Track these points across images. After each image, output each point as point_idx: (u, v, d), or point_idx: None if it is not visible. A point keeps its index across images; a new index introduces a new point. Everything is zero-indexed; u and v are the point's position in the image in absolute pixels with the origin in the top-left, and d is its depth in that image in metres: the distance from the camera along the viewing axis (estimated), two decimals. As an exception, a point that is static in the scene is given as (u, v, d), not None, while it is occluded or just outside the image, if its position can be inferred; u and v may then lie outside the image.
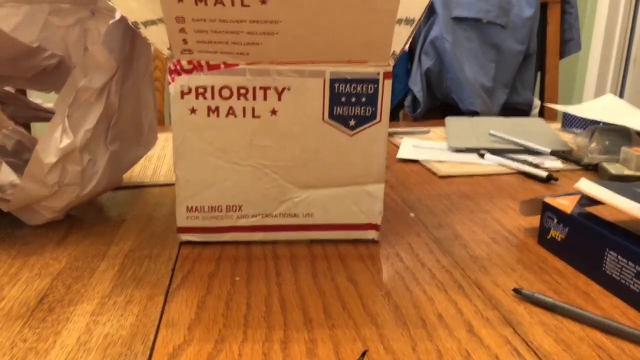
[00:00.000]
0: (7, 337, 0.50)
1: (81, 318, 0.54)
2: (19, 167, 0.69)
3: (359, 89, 0.66)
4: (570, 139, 1.24)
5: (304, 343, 0.50)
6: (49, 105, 0.92)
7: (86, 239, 0.71)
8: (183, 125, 0.65)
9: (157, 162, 1.04)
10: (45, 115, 0.91)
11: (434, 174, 1.02)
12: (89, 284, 0.60)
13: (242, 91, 0.65)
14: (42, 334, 0.51)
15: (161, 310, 0.55)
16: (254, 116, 0.65)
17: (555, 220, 0.68)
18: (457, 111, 1.78)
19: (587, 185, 0.68)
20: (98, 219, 0.78)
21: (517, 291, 0.59)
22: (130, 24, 0.62)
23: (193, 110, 0.65)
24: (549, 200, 0.71)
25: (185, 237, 0.70)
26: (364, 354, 0.45)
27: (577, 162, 1.07)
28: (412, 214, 0.82)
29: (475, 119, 1.39)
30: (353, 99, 0.66)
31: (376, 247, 0.71)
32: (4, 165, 0.67)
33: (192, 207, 0.68)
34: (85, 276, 0.62)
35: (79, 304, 0.56)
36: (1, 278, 0.61)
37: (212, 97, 0.64)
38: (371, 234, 0.72)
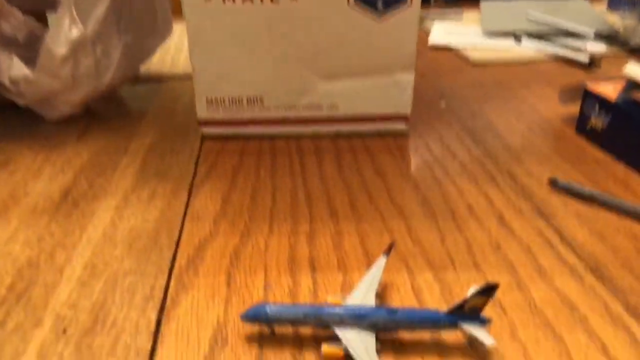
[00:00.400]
0: (35, 232, 0.51)
1: (106, 213, 0.54)
2: (31, 60, 0.67)
3: (386, -34, 0.61)
4: (617, 20, 1.16)
5: (329, 235, 0.50)
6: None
7: (107, 133, 0.71)
8: (197, 13, 0.62)
9: (174, 54, 1.01)
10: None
11: (467, 61, 0.98)
12: (112, 179, 0.60)
13: (260, -28, 0.60)
14: (68, 229, 0.52)
15: (185, 204, 0.55)
16: (272, 1, 0.62)
17: (597, 108, 0.65)
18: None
19: (635, 70, 0.64)
20: (118, 114, 0.77)
21: (552, 181, 0.57)
22: None
23: (208, -5, 0.61)
24: (591, 86, 0.67)
25: (207, 130, 0.69)
26: (391, 246, 0.45)
27: (623, 45, 1.00)
28: (443, 104, 0.79)
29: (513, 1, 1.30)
30: (380, -22, 0.61)
31: (405, 139, 0.69)
32: (16, 59, 0.65)
33: (212, 99, 0.67)
34: (108, 171, 0.62)
35: (103, 198, 0.57)
36: (25, 173, 0.62)
37: (228, -21, 0.61)
38: (400, 125, 0.69)
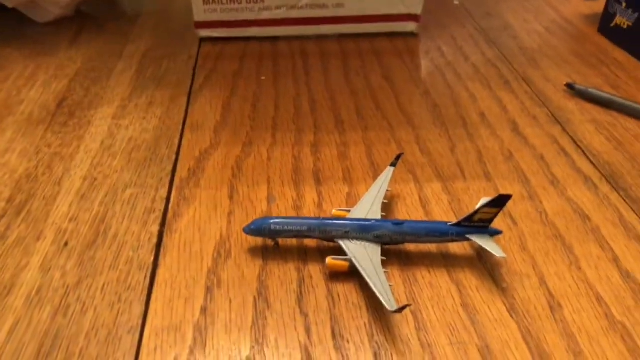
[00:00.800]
0: (31, 143, 0.50)
1: (103, 122, 0.53)
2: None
3: None
4: None
5: (335, 146, 0.49)
6: None
7: (100, 37, 0.68)
8: None
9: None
10: None
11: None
12: (108, 86, 0.58)
13: None
14: (65, 139, 0.51)
15: (185, 112, 0.54)
16: None
17: (624, 5, 0.61)
18: None
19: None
20: (111, 16, 0.74)
21: (569, 86, 0.55)
22: None
23: None
24: (618, -20, 0.63)
25: (205, 32, 0.66)
26: (398, 157, 0.44)
27: None
28: (456, 2, 0.75)
29: None
30: None
31: (415, 40, 0.66)
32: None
33: (209, -1, 0.63)
34: (103, 77, 0.60)
35: (100, 107, 0.55)
36: (17, 80, 0.60)
37: None
38: (410, 26, 0.66)
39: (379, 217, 0.39)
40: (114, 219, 0.41)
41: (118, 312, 0.34)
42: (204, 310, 0.34)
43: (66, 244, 0.40)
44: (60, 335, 0.33)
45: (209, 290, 0.36)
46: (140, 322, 0.34)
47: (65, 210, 0.42)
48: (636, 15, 0.59)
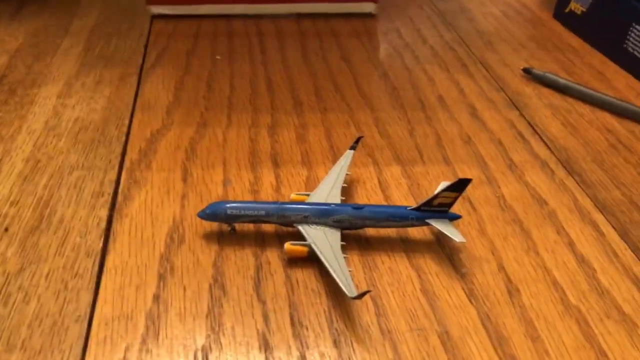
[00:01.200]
0: (-32, 122, 0.47)
1: (47, 101, 0.50)
2: None
3: None
4: None
5: (293, 128, 0.47)
6: None
7: (44, 11, 0.65)
8: None
9: None
10: None
11: None
12: (52, 63, 0.55)
13: None
14: (5, 119, 0.48)
15: (135, 91, 0.52)
16: None
17: (578, -9, 0.62)
18: None
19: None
20: (55, -11, 0.70)
21: (526, 71, 0.55)
22: None
23: None
24: (573, -34, 0.63)
25: (157, 9, 0.63)
26: (358, 140, 0.43)
27: None
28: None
29: None
30: None
31: (373, 21, 0.65)
32: None
33: (161, -27, 0.61)
34: (48, 54, 0.57)
35: (43, 85, 0.52)
36: (-48, 56, 0.56)
37: None
38: (368, 7, 0.65)
39: (338, 201, 0.38)
40: (59, 203, 0.39)
41: (64, 301, 0.33)
42: (156, 298, 0.33)
43: (6, 229, 0.37)
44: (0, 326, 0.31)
45: (161, 277, 0.34)
46: (88, 310, 0.32)
47: (5, 193, 0.40)
48: (590, 0, 0.60)
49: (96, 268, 0.35)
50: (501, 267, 0.36)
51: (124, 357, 0.30)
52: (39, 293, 0.33)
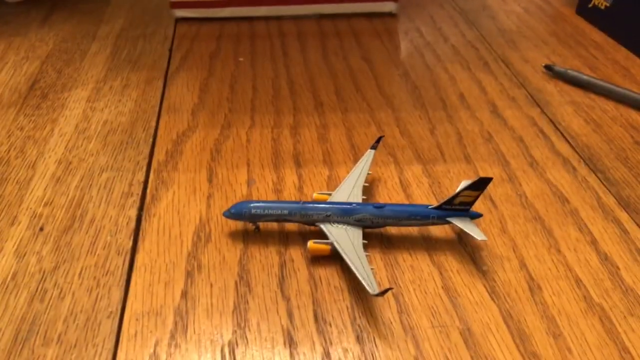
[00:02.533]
0: (3, 126, 0.49)
1: (77, 104, 0.52)
2: None
3: None
4: None
5: (315, 128, 0.48)
6: None
7: (73, 17, 0.66)
8: None
9: None
10: None
11: None
12: (82, 68, 0.57)
13: None
14: (38, 122, 0.49)
15: (161, 94, 0.53)
16: None
17: (601, -14, 0.62)
18: None
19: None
20: (83, -6, 0.72)
21: (548, 67, 0.55)
22: None
23: None
24: (596, -39, 0.63)
25: (181, 12, 0.65)
26: (379, 139, 0.43)
27: None
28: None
29: None
30: None
31: (394, 21, 0.65)
32: None
33: (185, -23, 0.62)
34: (77, 59, 0.58)
35: (73, 89, 0.54)
36: (-14, 62, 0.58)
37: None
38: (389, 6, 0.66)
39: (360, 200, 0.39)
40: (90, 203, 0.41)
41: (97, 297, 0.34)
42: (184, 294, 0.34)
43: (41, 228, 0.39)
44: (37, 321, 0.33)
45: (189, 274, 0.35)
46: (119, 307, 0.33)
47: (39, 195, 0.42)
48: (614, -3, 0.60)
49: (126, 266, 0.36)
50: (523, 265, 0.36)
51: (154, 351, 0.31)
52: (73, 290, 0.34)
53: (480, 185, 0.35)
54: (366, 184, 0.40)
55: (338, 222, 0.37)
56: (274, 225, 0.38)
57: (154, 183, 0.42)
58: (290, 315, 0.33)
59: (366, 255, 0.35)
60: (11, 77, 0.56)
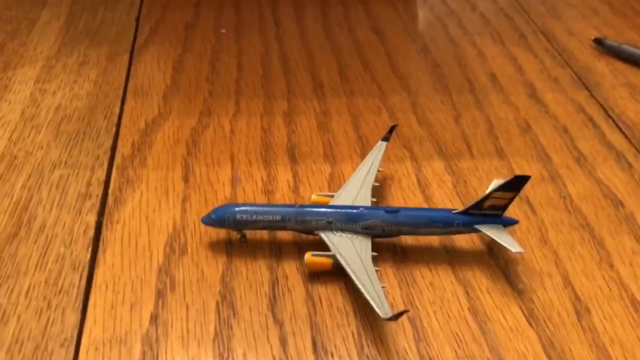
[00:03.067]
0: None
1: (23, 86, 0.52)
2: None
3: None
4: None
5: (313, 115, 0.48)
6: None
7: (18, -21, 0.66)
8: None
9: None
10: None
11: None
12: (29, 41, 0.57)
13: None
14: (-25, 107, 0.49)
15: (126, 73, 0.53)
16: None
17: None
18: None
19: None
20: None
21: (598, 41, 0.56)
22: None
23: None
24: None
25: (150, -26, 0.65)
26: (392, 129, 0.44)
27: None
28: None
29: None
30: None
31: (410, -16, 0.66)
32: None
33: None
34: (23, 30, 0.59)
35: (19, 67, 0.54)
36: None
37: None
38: (404, -33, 0.66)
39: (368, 203, 0.39)
40: (39, 207, 0.41)
41: (47, 321, 0.34)
42: (154, 318, 0.34)
43: (-20, 238, 0.39)
44: (-26, 352, 0.33)
45: (160, 293, 0.35)
46: (75, 333, 0.33)
47: (-23, 197, 0.42)
48: (679, -45, 0.60)
49: (84, 283, 0.36)
50: (567, 282, 0.36)
51: (118, 388, 0.31)
52: (19, 312, 0.34)
53: (515, 185, 0.36)
54: (376, 184, 0.40)
55: (342, 230, 0.37)
56: (263, 234, 0.38)
57: (117, 182, 0.43)
58: (283, 343, 0.33)
59: (376, 271, 0.35)
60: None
